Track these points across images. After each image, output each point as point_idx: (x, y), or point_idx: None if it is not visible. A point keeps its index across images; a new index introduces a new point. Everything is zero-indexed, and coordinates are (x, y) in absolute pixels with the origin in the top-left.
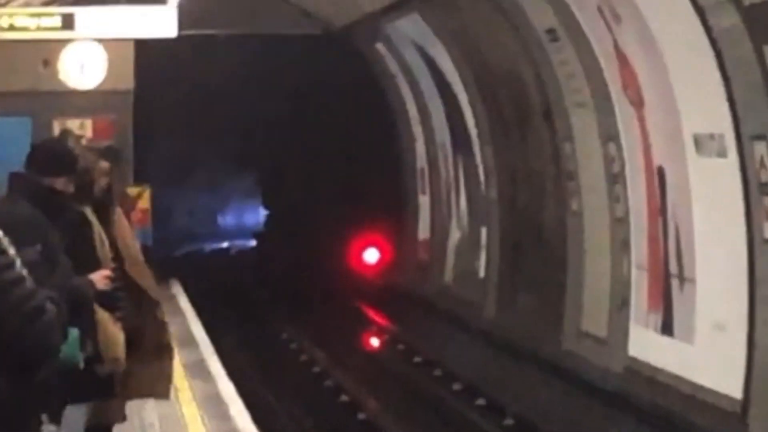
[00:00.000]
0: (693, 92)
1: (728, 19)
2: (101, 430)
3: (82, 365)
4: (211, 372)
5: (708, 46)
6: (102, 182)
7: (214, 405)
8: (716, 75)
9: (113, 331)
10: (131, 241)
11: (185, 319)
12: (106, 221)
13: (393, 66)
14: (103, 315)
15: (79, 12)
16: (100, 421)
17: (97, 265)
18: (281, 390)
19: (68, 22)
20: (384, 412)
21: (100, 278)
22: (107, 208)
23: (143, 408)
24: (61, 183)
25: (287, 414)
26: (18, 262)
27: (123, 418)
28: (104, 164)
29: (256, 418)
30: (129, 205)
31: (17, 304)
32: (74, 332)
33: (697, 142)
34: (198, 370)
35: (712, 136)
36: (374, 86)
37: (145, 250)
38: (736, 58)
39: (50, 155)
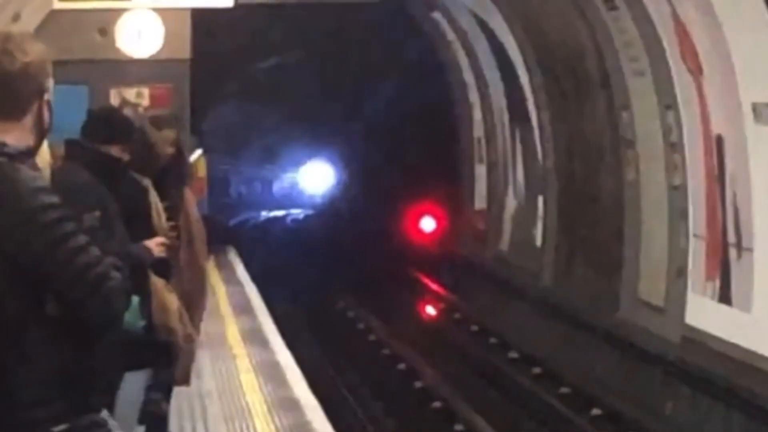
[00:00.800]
0: (751, 61)
1: None
2: (163, 390)
3: (142, 332)
4: (268, 339)
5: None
6: (168, 151)
7: (271, 372)
8: None
9: (168, 299)
10: (196, 218)
11: (242, 287)
12: (173, 194)
13: (450, 34)
14: (156, 283)
15: None
16: (162, 381)
17: (152, 236)
18: (338, 358)
19: None
20: (440, 380)
21: (155, 245)
22: (180, 178)
23: (201, 375)
24: (116, 150)
25: (344, 383)
26: (80, 229)
27: (186, 382)
28: (169, 133)
29: (313, 386)
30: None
31: (82, 271)
32: (135, 300)
33: (756, 110)
34: (255, 338)
35: None
36: (431, 54)
37: (203, 219)
38: None
39: (103, 122)
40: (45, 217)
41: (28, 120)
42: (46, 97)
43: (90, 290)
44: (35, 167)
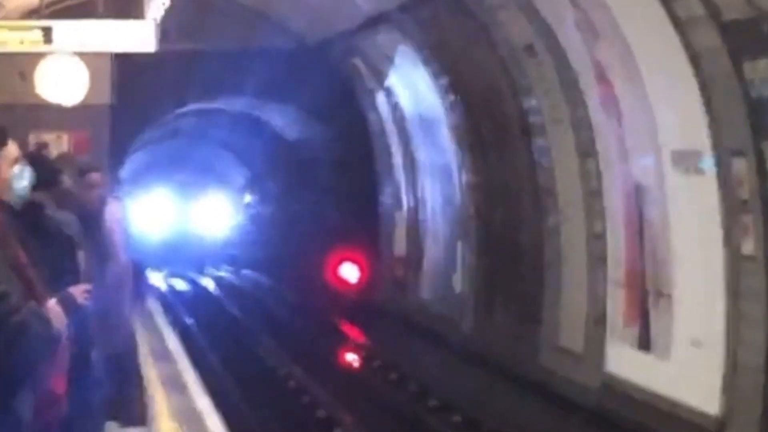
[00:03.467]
0: (672, 108)
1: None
2: None
3: None
4: (187, 385)
5: (687, 62)
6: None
7: (190, 417)
8: (695, 91)
9: None
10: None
11: (161, 333)
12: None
13: (371, 82)
14: None
15: (58, 25)
16: None
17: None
18: (258, 406)
19: (47, 36)
20: (360, 428)
21: (80, 292)
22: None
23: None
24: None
25: (263, 430)
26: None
27: None
28: (96, 177)
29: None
30: None
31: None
32: None
33: (675, 158)
34: (174, 384)
35: (689, 153)
36: (352, 101)
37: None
38: (715, 75)
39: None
40: None
41: None
42: None
43: (6, 338)
44: None
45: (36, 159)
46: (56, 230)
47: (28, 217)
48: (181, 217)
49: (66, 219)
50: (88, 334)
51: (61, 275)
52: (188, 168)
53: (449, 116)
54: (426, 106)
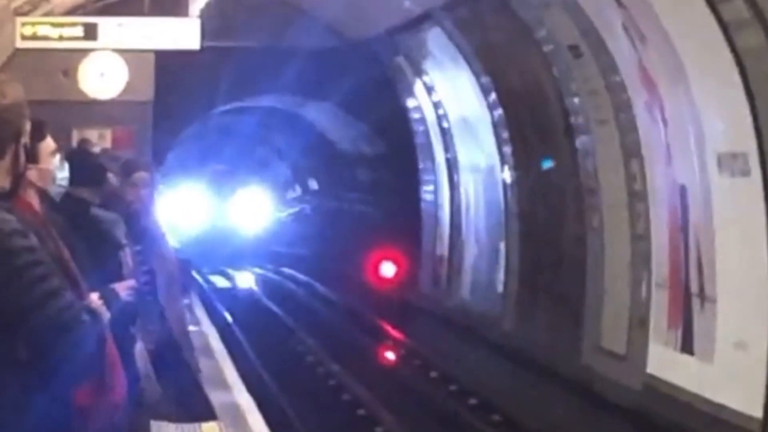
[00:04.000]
0: (717, 111)
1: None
2: None
3: None
4: (228, 382)
5: (733, 64)
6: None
7: (232, 414)
8: (741, 93)
9: None
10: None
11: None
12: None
13: (413, 79)
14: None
15: (102, 23)
16: None
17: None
18: (299, 403)
19: (91, 33)
20: (400, 427)
21: (123, 288)
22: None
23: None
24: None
25: (304, 429)
26: (52, 272)
27: None
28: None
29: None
30: None
31: (53, 315)
32: None
33: (721, 160)
34: (216, 380)
35: (735, 155)
36: (394, 99)
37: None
38: (761, 77)
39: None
40: (19, 261)
41: (5, 163)
42: (23, 140)
43: (59, 334)
44: (11, 210)
45: (80, 155)
46: (100, 229)
47: (69, 212)
48: (219, 212)
49: (111, 218)
50: (129, 332)
51: (104, 275)
52: (226, 161)
53: (491, 115)
54: (468, 104)
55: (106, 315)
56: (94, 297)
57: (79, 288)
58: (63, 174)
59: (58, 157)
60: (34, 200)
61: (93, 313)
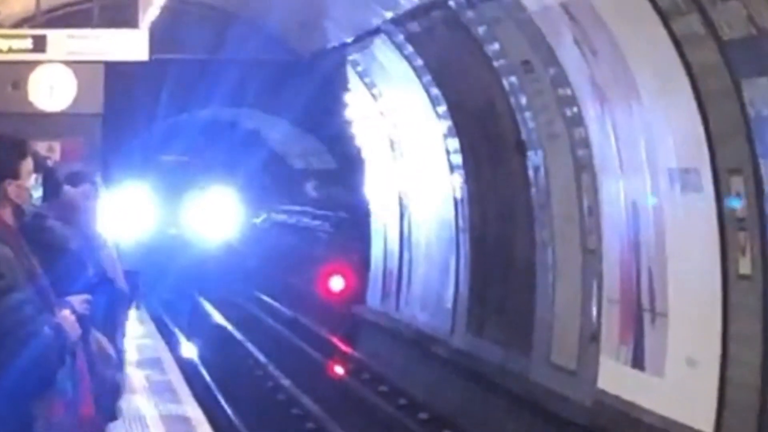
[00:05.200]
0: (669, 126)
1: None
2: None
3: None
4: (177, 393)
5: (686, 80)
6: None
7: (180, 428)
8: (694, 109)
9: None
10: None
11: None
12: None
13: (363, 93)
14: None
15: (51, 35)
16: None
17: None
18: (249, 416)
19: (40, 45)
20: None
21: (79, 302)
22: None
23: None
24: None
25: None
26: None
27: None
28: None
29: None
30: None
31: (12, 329)
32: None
33: (673, 176)
34: (164, 391)
35: (687, 171)
36: (344, 112)
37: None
38: (714, 93)
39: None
40: None
41: None
42: None
43: (18, 347)
44: None
45: (42, 170)
46: (58, 243)
47: (28, 225)
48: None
49: (69, 233)
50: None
51: (64, 289)
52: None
53: (442, 129)
54: (418, 119)
55: (76, 331)
56: (66, 313)
57: (50, 302)
58: (38, 193)
59: (34, 176)
60: (9, 217)
61: (57, 327)
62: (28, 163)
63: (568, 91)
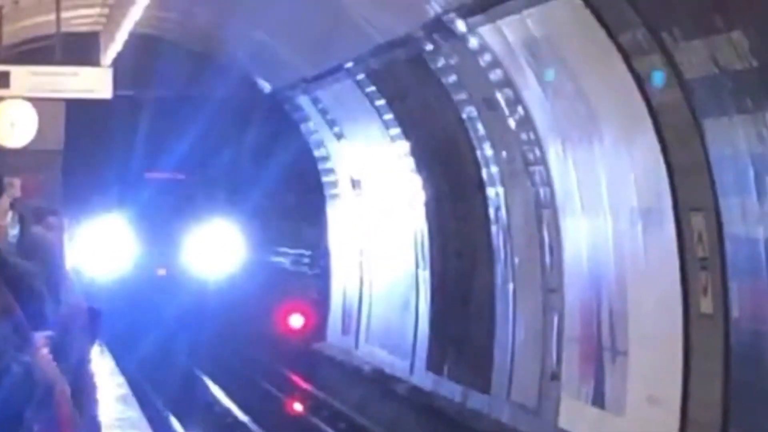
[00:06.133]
0: (631, 165)
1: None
2: None
3: None
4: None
5: (648, 119)
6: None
7: None
8: (655, 147)
9: None
10: None
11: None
12: None
13: (323, 131)
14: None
15: (14, 71)
16: None
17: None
18: None
19: (3, 81)
20: None
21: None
22: None
23: None
24: None
25: None
26: None
27: None
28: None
29: None
30: None
31: None
32: None
33: (634, 214)
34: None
35: (649, 210)
36: (305, 149)
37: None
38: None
39: None
40: None
41: None
42: None
43: None
44: None
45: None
46: (20, 279)
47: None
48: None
49: (32, 269)
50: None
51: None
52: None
53: (402, 165)
54: (380, 156)
55: (51, 370)
56: (45, 351)
57: (27, 340)
58: (14, 231)
59: (11, 213)
60: None
61: (27, 365)
62: (4, 201)
63: (531, 133)
